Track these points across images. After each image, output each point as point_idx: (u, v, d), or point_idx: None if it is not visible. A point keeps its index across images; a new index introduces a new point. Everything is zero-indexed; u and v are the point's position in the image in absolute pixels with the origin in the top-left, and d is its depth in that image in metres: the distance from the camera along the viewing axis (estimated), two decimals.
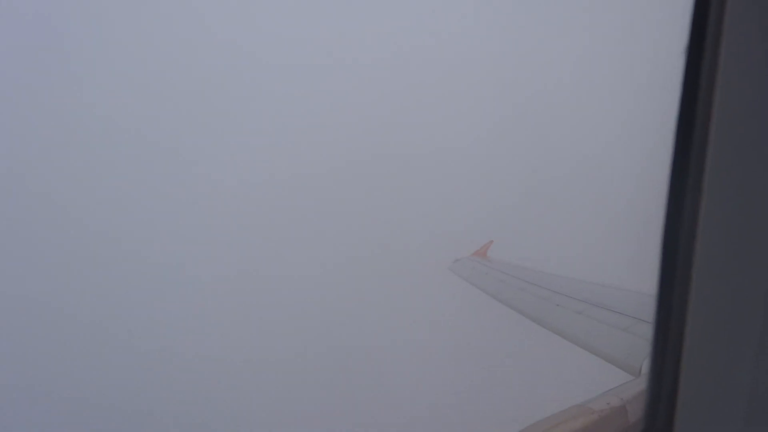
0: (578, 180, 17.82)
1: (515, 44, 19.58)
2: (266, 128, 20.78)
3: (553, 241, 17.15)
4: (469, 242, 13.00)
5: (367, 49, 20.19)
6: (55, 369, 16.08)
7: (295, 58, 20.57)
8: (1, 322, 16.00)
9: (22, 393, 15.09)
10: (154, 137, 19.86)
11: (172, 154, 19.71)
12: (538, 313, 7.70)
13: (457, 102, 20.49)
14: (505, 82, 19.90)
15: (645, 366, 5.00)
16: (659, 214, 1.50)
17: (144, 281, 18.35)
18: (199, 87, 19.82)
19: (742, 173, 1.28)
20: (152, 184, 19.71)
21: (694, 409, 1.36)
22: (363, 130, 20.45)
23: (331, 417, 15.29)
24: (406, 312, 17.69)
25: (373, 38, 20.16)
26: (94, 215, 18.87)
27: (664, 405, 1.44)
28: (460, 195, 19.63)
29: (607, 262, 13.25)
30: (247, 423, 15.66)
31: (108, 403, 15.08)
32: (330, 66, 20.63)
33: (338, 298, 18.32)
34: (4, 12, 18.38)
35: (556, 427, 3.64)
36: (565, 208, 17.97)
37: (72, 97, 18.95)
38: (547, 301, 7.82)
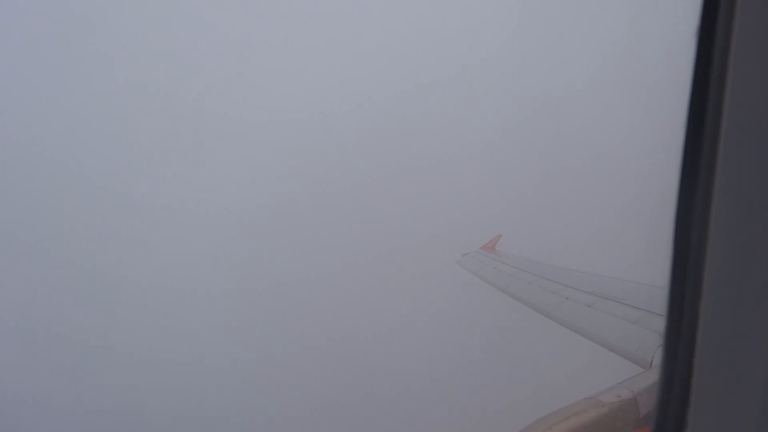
0: (587, 172, 17.71)
1: (524, 38, 19.46)
2: (275, 124, 20.81)
3: (562, 234, 17.08)
4: (478, 236, 12.97)
5: (381, 47, 20.19)
6: (55, 376, 16.18)
7: (306, 58, 20.57)
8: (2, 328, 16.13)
9: (24, 400, 15.22)
10: (153, 139, 19.89)
11: (173, 156, 19.74)
12: (547, 306, 7.68)
13: (467, 97, 20.41)
14: (514, 77, 19.80)
15: (656, 358, 4.98)
16: (670, 204, 1.49)
17: (149, 285, 18.41)
18: (198, 88, 19.84)
19: (757, 161, 1.26)
20: (153, 186, 19.74)
21: (708, 402, 1.35)
22: (374, 125, 20.44)
23: (341, 415, 15.34)
24: (415, 306, 17.71)
25: (389, 36, 20.16)
26: (95, 219, 18.93)
27: (677, 397, 1.43)
28: (469, 189, 19.58)
29: (617, 254, 13.18)
30: (254, 423, 15.74)
31: (119, 408, 15.22)
32: (342, 62, 20.63)
33: (346, 295, 18.35)
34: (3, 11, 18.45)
35: (566, 420, 3.64)
36: (574, 200, 17.89)
37: (64, 99, 18.98)
38: (556, 294, 7.79)
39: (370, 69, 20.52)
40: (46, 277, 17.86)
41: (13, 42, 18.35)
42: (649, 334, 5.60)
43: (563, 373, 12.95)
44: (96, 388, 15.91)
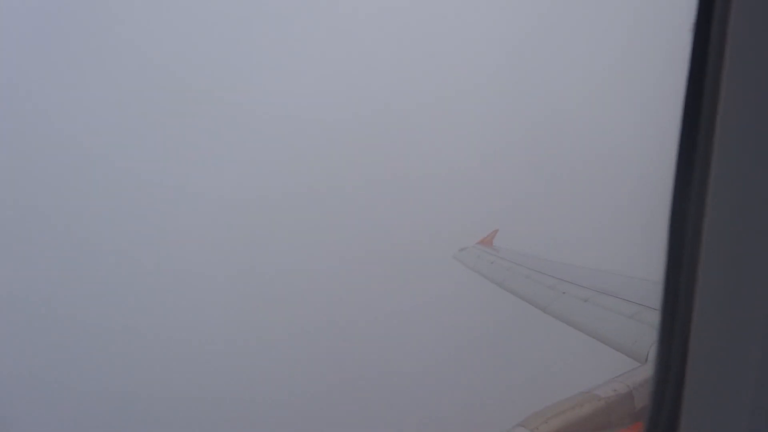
0: (584, 167, 17.74)
1: (522, 35, 19.50)
2: (269, 121, 20.79)
3: (559, 228, 17.11)
4: (475, 231, 12.98)
5: (381, 45, 20.25)
6: (55, 368, 16.19)
7: (307, 57, 20.55)
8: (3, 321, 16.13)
9: (25, 392, 15.24)
10: (149, 137, 19.89)
11: (170, 153, 19.74)
12: (544, 300, 7.70)
13: (464, 93, 20.42)
14: (511, 74, 19.82)
15: (651, 353, 5.01)
16: (666, 199, 1.49)
17: (149, 282, 18.44)
18: (198, 86, 19.81)
19: (752, 157, 1.26)
20: (151, 183, 19.74)
21: (701, 397, 1.35)
22: (374, 120, 20.44)
23: (335, 405, 15.38)
24: (412, 300, 17.73)
25: (389, 35, 20.23)
26: (95, 216, 18.94)
27: (671, 392, 1.44)
28: (466, 184, 19.59)
29: (614, 249, 13.21)
30: (252, 422, 15.78)
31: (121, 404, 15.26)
32: (343, 60, 20.63)
33: (342, 288, 18.36)
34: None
35: (562, 413, 3.66)
36: (570, 195, 17.92)
37: (64, 101, 18.95)
38: (553, 288, 7.81)
39: (373, 68, 20.57)
40: (47, 263, 17.90)
41: (16, 38, 18.31)
42: (645, 328, 5.62)
43: (560, 367, 12.99)
44: (99, 374, 15.98)
